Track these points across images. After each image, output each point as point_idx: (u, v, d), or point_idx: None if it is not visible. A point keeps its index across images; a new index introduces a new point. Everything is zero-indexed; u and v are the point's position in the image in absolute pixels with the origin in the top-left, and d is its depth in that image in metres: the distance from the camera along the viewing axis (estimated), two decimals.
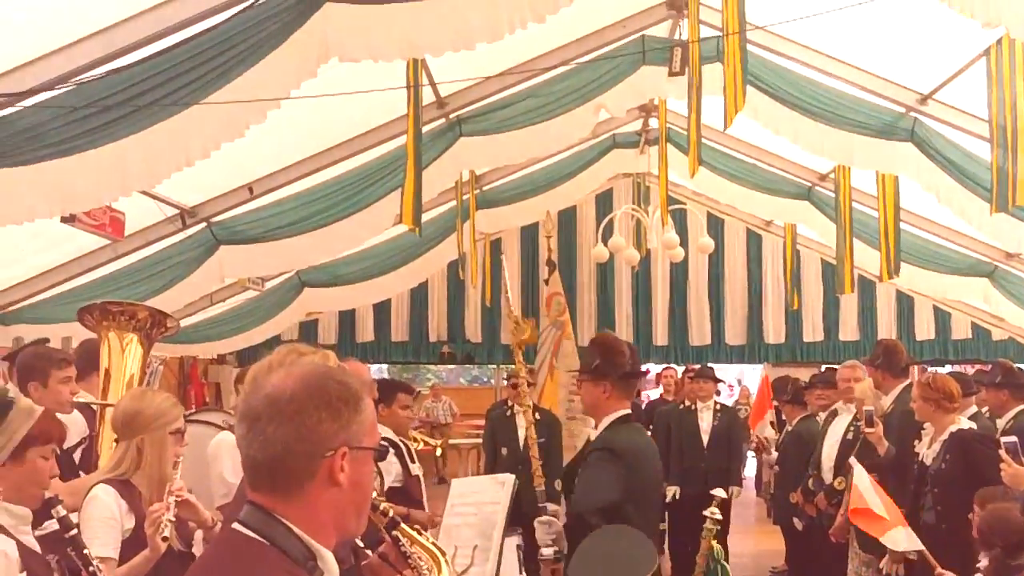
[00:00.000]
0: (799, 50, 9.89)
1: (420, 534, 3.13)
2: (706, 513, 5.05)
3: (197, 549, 4.64)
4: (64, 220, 7.77)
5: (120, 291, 9.09)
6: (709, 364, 15.11)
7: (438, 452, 9.62)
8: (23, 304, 9.49)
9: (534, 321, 8.37)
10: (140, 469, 4.45)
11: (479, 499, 5.70)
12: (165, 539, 4.07)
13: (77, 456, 5.92)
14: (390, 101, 8.45)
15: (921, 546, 6.81)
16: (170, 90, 6.20)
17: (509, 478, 5.84)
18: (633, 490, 5.18)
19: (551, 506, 5.69)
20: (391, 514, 3.01)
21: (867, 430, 7.85)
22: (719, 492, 5.20)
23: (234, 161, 8.32)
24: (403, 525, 3.06)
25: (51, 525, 3.81)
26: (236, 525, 2.27)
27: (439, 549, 3.08)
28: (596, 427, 5.59)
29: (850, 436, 9.30)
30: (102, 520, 4.28)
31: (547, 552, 5.34)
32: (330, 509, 2.26)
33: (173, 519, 4.16)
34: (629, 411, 5.50)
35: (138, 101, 6.14)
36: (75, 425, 6.02)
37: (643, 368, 7.65)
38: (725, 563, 4.92)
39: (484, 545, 5.41)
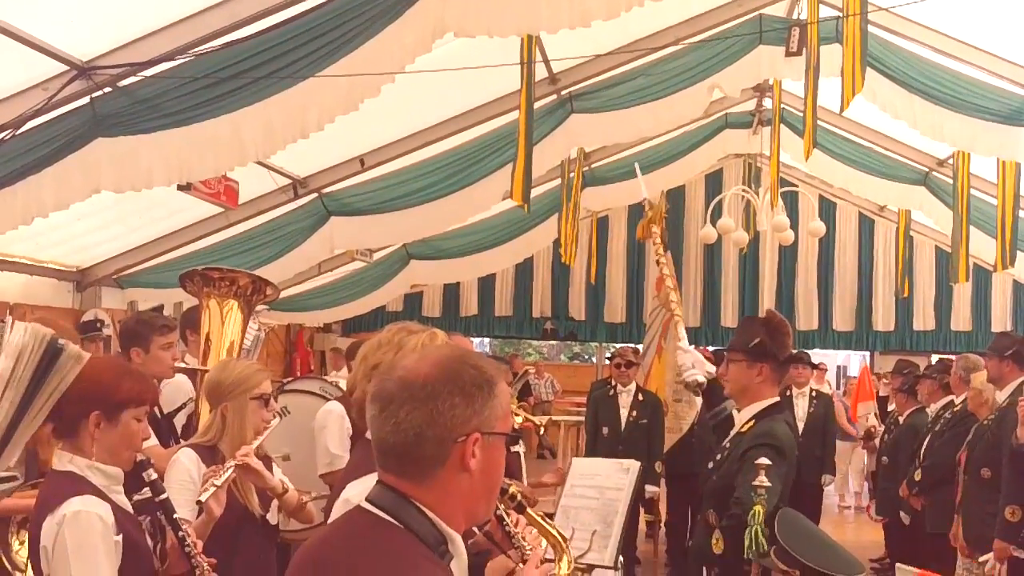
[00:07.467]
0: (920, 31, 9.62)
1: (544, 519, 3.09)
2: (755, 483, 4.78)
3: (272, 517, 4.70)
4: (181, 188, 7.93)
5: (232, 259, 9.26)
6: (816, 349, 14.89)
7: (541, 431, 9.58)
8: (139, 269, 9.72)
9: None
10: (224, 435, 4.52)
11: (602, 483, 5.58)
12: (199, 502, 4.09)
13: (182, 419, 6.00)
14: (502, 77, 8.43)
15: None
16: (287, 62, 6.27)
17: (634, 464, 5.70)
18: (786, 487, 4.85)
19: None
20: (519, 498, 2.92)
21: None
22: (763, 460, 4.91)
23: (346, 133, 8.39)
24: (529, 511, 3.01)
25: (144, 492, 3.84)
26: (366, 504, 2.25)
27: (561, 535, 3.04)
28: (739, 410, 5.18)
29: (938, 427, 9.14)
30: (178, 483, 4.34)
31: (696, 377, 5.39)
32: (460, 495, 2.23)
33: (219, 484, 4.17)
34: (779, 399, 5.14)
35: (255, 73, 6.22)
36: (180, 389, 6.13)
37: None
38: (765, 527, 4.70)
39: (604, 532, 5.28)
